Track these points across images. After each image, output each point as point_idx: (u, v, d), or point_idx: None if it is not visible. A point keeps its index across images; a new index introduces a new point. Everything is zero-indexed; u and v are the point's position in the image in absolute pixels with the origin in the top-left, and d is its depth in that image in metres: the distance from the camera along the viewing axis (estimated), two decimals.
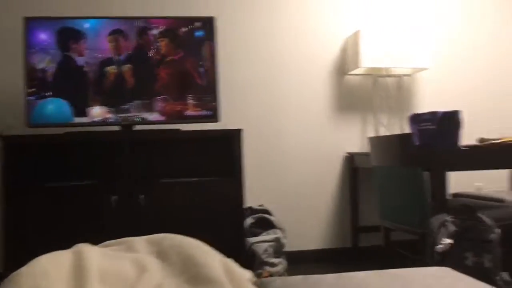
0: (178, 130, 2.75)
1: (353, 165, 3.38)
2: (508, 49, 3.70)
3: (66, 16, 2.76)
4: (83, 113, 2.72)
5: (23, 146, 2.80)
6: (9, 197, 2.49)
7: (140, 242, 1.29)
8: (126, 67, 2.76)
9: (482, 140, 2.46)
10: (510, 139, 2.41)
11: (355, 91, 3.49)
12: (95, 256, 1.12)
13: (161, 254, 1.22)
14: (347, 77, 3.48)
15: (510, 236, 2.31)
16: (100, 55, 2.73)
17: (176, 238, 1.25)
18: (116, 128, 2.94)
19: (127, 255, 1.20)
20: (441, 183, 2.29)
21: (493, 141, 2.40)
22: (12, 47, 3.07)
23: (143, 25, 2.78)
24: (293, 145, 3.40)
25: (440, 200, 2.29)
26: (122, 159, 2.64)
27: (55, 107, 2.69)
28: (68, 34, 2.71)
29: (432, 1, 3.60)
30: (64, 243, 1.47)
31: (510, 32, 3.71)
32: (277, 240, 2.85)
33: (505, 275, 2.08)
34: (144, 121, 2.78)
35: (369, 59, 3.16)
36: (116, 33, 2.76)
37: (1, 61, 3.07)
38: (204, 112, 2.82)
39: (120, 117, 2.76)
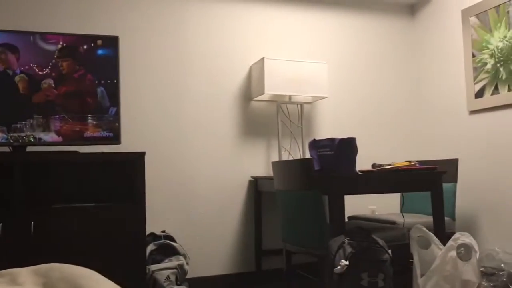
0: (76, 152, 2.61)
1: (257, 189, 3.43)
2: (395, 84, 4.02)
3: None
4: None
5: None
6: None
7: (25, 273, 1.19)
8: (20, 83, 2.59)
9: (375, 165, 2.61)
10: (400, 165, 2.59)
11: (260, 116, 3.57)
12: None
13: (48, 286, 1.14)
14: (253, 102, 3.55)
15: (400, 256, 2.46)
16: None
17: (64, 267, 1.17)
18: (6, 149, 2.72)
19: None
20: (339, 207, 2.39)
21: (385, 167, 2.55)
22: None
23: (41, 40, 2.63)
24: (198, 169, 3.37)
25: (338, 223, 2.38)
26: (12, 183, 2.44)
27: None
28: None
29: (331, 37, 3.82)
30: None
31: (397, 69, 4.04)
32: (179, 267, 2.79)
33: None
34: (39, 142, 2.61)
35: (273, 86, 3.25)
36: (9, 48, 2.58)
37: None
38: (105, 134, 2.71)
39: (12, 136, 2.56)
